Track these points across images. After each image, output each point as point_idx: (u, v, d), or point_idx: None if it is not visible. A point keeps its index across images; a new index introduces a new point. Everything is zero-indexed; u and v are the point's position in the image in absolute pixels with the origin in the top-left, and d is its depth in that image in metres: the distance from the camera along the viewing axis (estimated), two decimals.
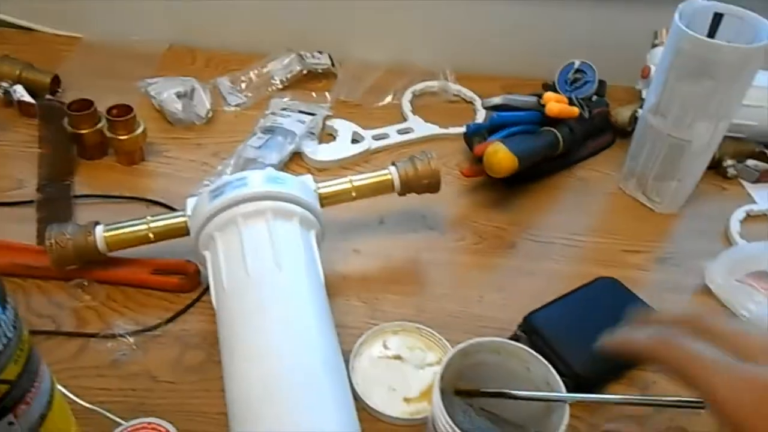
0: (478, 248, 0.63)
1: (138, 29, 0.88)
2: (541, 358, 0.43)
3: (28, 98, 0.73)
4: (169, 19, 0.88)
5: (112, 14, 0.88)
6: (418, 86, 0.81)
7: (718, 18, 0.60)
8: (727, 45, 0.56)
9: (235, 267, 0.47)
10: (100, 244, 0.53)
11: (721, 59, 0.56)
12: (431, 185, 0.58)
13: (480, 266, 0.62)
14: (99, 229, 0.54)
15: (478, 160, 0.64)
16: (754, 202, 0.70)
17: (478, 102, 0.80)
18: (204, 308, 0.55)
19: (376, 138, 0.73)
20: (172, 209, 0.64)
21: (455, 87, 0.82)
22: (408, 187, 0.58)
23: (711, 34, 0.60)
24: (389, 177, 0.58)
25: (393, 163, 0.59)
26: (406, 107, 0.78)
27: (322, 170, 0.70)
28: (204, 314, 0.55)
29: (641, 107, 0.68)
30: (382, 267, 0.61)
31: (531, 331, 0.52)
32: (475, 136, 0.69)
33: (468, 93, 0.82)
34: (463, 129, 0.72)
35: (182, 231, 0.54)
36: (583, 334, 0.52)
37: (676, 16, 0.58)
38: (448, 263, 0.62)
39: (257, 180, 0.52)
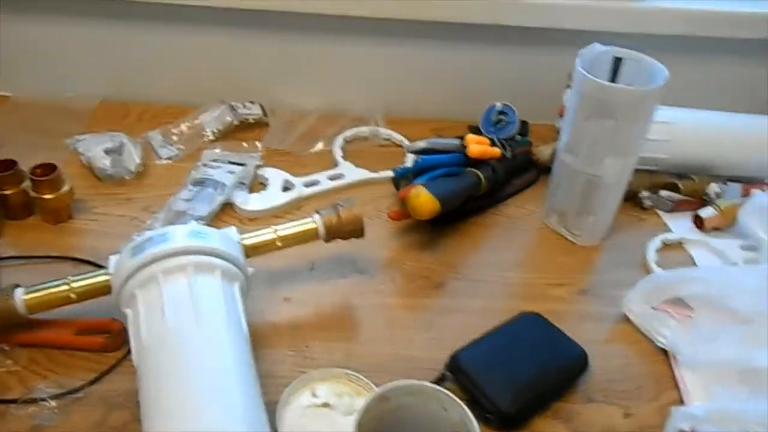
0: (408, 289, 0.64)
1: (70, 85, 0.88)
2: (456, 399, 0.44)
3: None
4: (102, 74, 0.89)
5: (43, 71, 0.89)
6: (349, 132, 0.83)
7: (618, 62, 0.64)
8: (623, 88, 0.60)
9: (155, 323, 0.47)
10: (21, 307, 0.53)
11: (619, 101, 0.59)
12: (355, 231, 0.60)
13: (409, 307, 0.63)
14: (19, 291, 0.53)
15: (403, 203, 0.66)
16: (669, 230, 0.74)
17: (407, 145, 0.82)
18: (130, 367, 0.54)
19: (308, 185, 0.75)
20: (100, 267, 0.63)
21: (385, 131, 0.85)
22: (332, 234, 0.59)
23: (613, 76, 0.64)
24: (314, 225, 0.59)
25: (317, 211, 0.60)
26: (337, 153, 0.80)
27: (253, 220, 0.70)
28: (130, 373, 0.53)
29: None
30: (312, 314, 0.62)
31: (456, 371, 0.54)
32: (402, 179, 0.71)
33: (398, 137, 0.84)
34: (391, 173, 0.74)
35: (105, 290, 0.54)
36: (508, 370, 0.54)
37: (578, 61, 0.62)
38: (378, 306, 0.63)
39: (179, 235, 0.52)
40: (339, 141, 0.82)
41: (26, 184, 0.67)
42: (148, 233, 0.54)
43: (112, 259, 0.54)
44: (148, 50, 0.87)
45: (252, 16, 0.83)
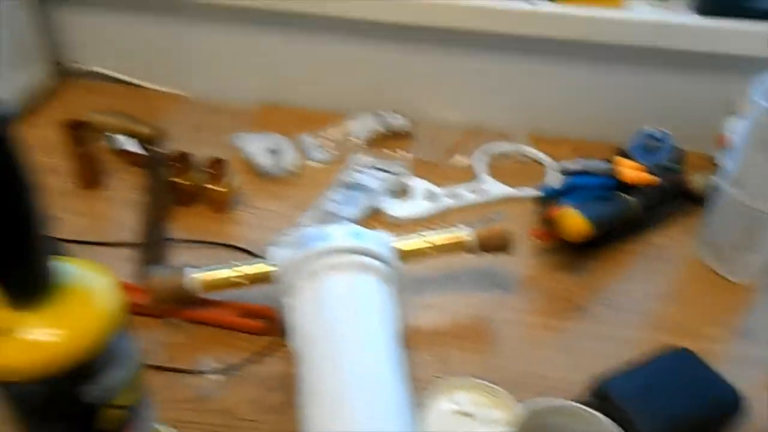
0: (547, 310, 0.64)
1: (233, 88, 0.96)
2: (615, 428, 0.43)
3: (135, 149, 0.80)
4: (261, 79, 0.96)
5: (210, 74, 0.97)
6: (492, 147, 0.84)
7: None
8: None
9: (316, 315, 0.50)
10: (194, 287, 0.58)
11: None
12: (503, 247, 0.60)
13: (548, 327, 0.62)
14: (194, 272, 0.59)
15: (550, 222, 0.66)
16: None
17: (550, 164, 0.82)
18: (284, 352, 0.58)
19: (450, 197, 0.76)
20: (256, 256, 0.68)
21: (528, 149, 0.84)
22: (481, 247, 0.60)
23: None
24: (464, 237, 0.60)
25: (468, 224, 0.61)
26: (480, 168, 0.81)
27: (396, 226, 0.73)
28: (284, 358, 0.58)
29: (716, 175, 0.68)
30: (452, 323, 0.63)
31: (603, 398, 0.52)
32: (548, 198, 0.71)
33: (540, 155, 0.84)
34: (535, 191, 0.74)
35: (268, 278, 0.58)
36: (658, 403, 0.52)
37: (753, 89, 0.59)
38: (516, 323, 0.63)
39: (340, 234, 0.55)
40: (482, 156, 0.83)
41: (197, 175, 0.73)
42: (310, 230, 0.57)
43: (274, 251, 0.58)
44: (305, 59, 0.93)
45: (403, 30, 0.86)
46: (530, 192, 0.77)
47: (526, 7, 0.81)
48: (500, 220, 0.61)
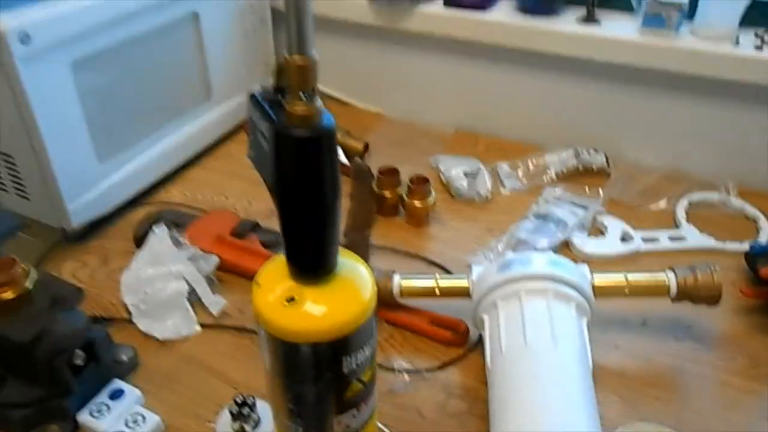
0: (752, 373, 0.60)
1: (432, 111, 1.02)
2: None
3: (343, 159, 0.89)
4: (460, 105, 1.01)
5: (410, 97, 1.04)
6: (695, 195, 0.81)
7: None
8: None
9: (514, 335, 0.53)
10: (396, 291, 0.63)
11: None
12: (711, 298, 0.58)
13: (752, 392, 0.59)
14: (397, 277, 0.64)
15: (761, 281, 0.62)
16: None
17: (762, 220, 0.77)
18: (468, 365, 0.61)
19: (646, 240, 0.74)
20: (447, 271, 0.72)
21: (737, 201, 0.80)
22: (684, 295, 0.59)
23: None
24: (665, 281, 0.59)
25: (671, 269, 0.60)
26: (680, 215, 0.78)
27: (587, 262, 0.73)
28: (468, 370, 0.61)
29: None
30: (641, 367, 0.61)
31: None
32: (759, 256, 0.67)
33: (751, 210, 0.79)
34: (744, 246, 0.70)
35: (464, 292, 0.62)
36: None
37: None
38: (713, 381, 0.60)
39: (540, 261, 0.57)
40: (683, 203, 0.80)
41: (402, 189, 0.79)
42: (512, 254, 0.60)
43: (476, 269, 0.62)
44: (505, 90, 0.96)
45: (607, 69, 0.86)
46: (736, 246, 0.73)
47: (734, 51, 0.78)
48: (710, 271, 0.59)
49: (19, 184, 0.75)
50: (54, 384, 0.52)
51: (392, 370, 0.61)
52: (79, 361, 0.53)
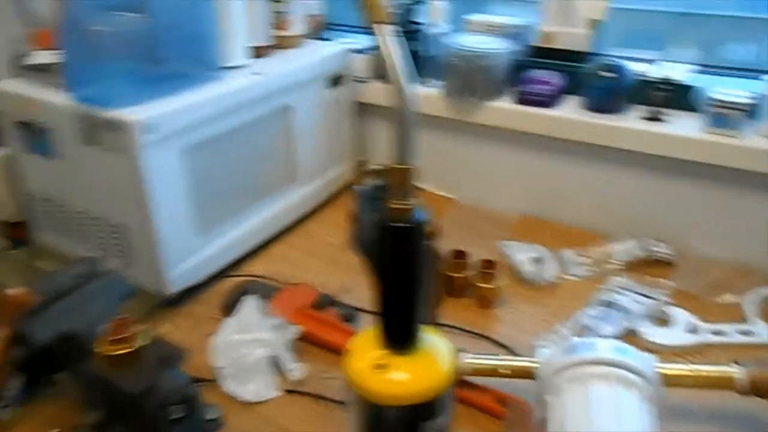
0: None
1: (498, 197, 1.07)
2: None
3: None
4: (525, 193, 1.06)
5: (479, 183, 1.10)
6: (765, 290, 0.81)
7: None
8: None
9: (579, 418, 0.55)
10: (462, 368, 0.67)
11: None
12: None
13: None
14: (464, 355, 0.67)
15: None
16: None
17: None
18: None
19: (714, 333, 0.75)
20: (513, 352, 0.75)
21: None
22: (754, 390, 0.59)
23: None
24: (734, 375, 0.60)
25: (737, 362, 0.61)
26: (750, 309, 0.79)
27: (653, 352, 0.74)
28: None
29: None
30: None
31: None
32: None
33: None
34: None
35: (529, 374, 0.64)
36: None
37: None
38: None
39: (606, 347, 0.60)
40: (753, 297, 0.81)
41: (470, 271, 0.84)
42: (577, 339, 0.63)
43: (542, 352, 0.65)
44: (571, 180, 1.01)
45: (673, 163, 0.90)
46: None
47: None
48: None
49: (125, 252, 0.84)
50: None
51: None
52: (177, 416, 0.59)
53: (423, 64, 1.03)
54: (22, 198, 0.94)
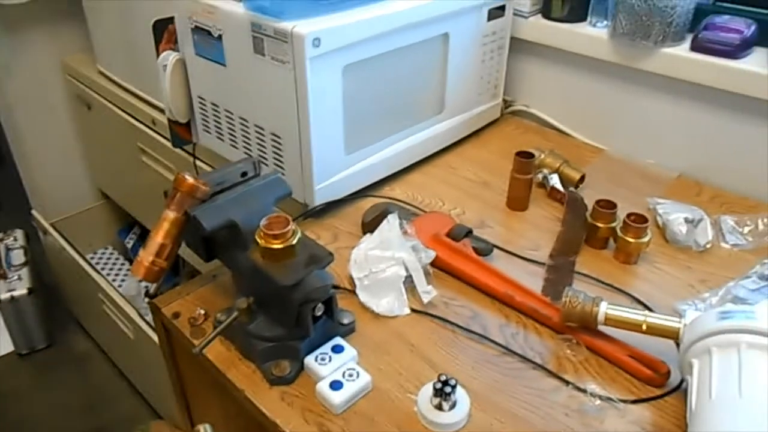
0: None
1: (653, 153, 1.00)
2: None
3: (559, 187, 0.91)
4: (682, 151, 0.98)
5: (632, 136, 1.03)
6: None
7: None
8: None
9: (728, 384, 0.52)
10: (600, 317, 0.65)
11: None
12: None
13: None
14: (604, 305, 0.65)
15: None
16: None
17: None
18: (665, 406, 0.61)
19: None
20: (650, 311, 0.72)
21: None
22: None
23: None
24: None
25: None
26: None
27: None
28: (664, 411, 0.60)
29: None
30: None
31: None
32: None
33: None
34: None
35: (672, 335, 0.61)
36: None
37: None
38: None
39: (766, 316, 0.55)
40: None
41: (616, 224, 0.80)
42: (734, 306, 0.59)
43: (690, 313, 0.61)
44: (738, 142, 0.92)
45: None
46: None
47: None
48: None
49: (279, 161, 0.89)
50: (296, 327, 0.63)
51: (584, 391, 0.62)
52: (318, 313, 0.63)
53: (594, 2, 0.97)
54: (189, 100, 1.02)
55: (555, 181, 0.92)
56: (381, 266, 0.73)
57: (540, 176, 0.94)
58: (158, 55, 0.99)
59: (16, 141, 1.58)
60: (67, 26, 1.50)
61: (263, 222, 0.61)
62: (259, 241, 0.60)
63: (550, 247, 0.83)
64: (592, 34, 0.98)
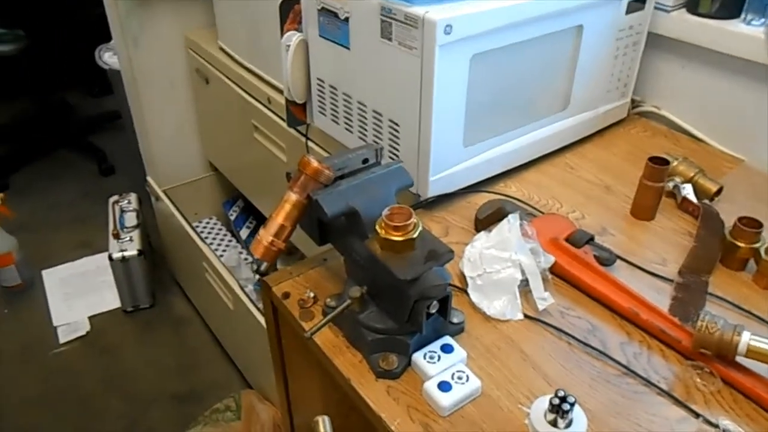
0: None
1: None
2: None
3: (693, 198, 0.84)
4: None
5: None
6: None
7: None
8: None
9: None
10: (741, 348, 0.59)
11: None
12: None
13: None
14: (746, 334, 0.59)
15: None
16: None
17: None
18: None
19: None
20: None
21: None
22: None
23: None
24: None
25: None
26: None
27: None
28: None
29: None
30: None
31: None
32: None
33: None
34: None
35: None
36: None
37: None
38: None
39: None
40: None
41: (759, 244, 0.73)
42: None
43: None
44: None
45: None
46: None
47: None
48: None
49: (394, 149, 0.87)
50: (408, 322, 0.61)
51: (715, 426, 0.57)
52: (433, 311, 0.61)
53: None
54: (308, 81, 1.02)
55: (688, 191, 0.85)
56: (496, 267, 0.70)
57: (671, 185, 0.87)
58: (282, 34, 1.00)
59: (137, 111, 1.66)
60: (194, 2, 1.56)
61: (385, 212, 0.59)
62: (379, 231, 0.59)
63: (678, 262, 0.77)
64: (746, 33, 0.89)
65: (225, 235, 1.85)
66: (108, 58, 2.09)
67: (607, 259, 0.75)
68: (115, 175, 2.49)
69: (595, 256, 0.75)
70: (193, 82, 1.64)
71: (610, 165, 0.96)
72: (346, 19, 0.87)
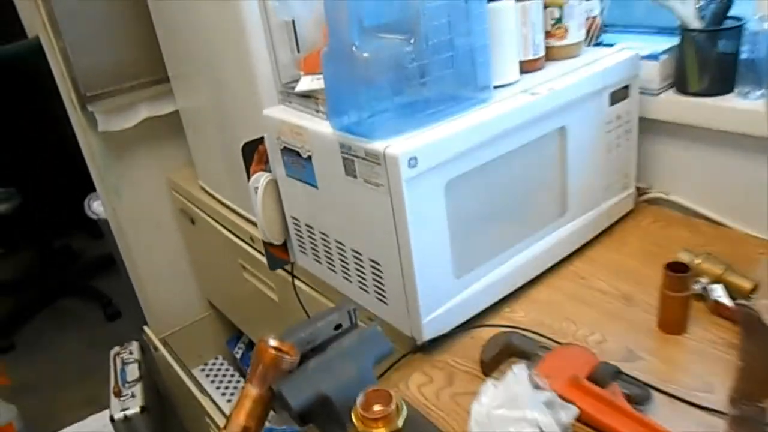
0: None
1: None
2: None
3: (726, 301, 0.73)
4: None
5: None
6: None
7: None
8: None
9: None
10: None
11: None
12: None
13: None
14: None
15: None
16: None
17: None
18: None
19: None
20: None
21: None
22: None
23: None
24: None
25: None
26: None
27: None
28: None
29: None
30: None
31: None
32: None
33: None
34: None
35: None
36: None
37: None
38: None
39: None
40: None
41: None
42: None
43: None
44: None
45: None
46: None
47: None
48: None
49: (380, 289, 0.78)
50: None
51: None
52: None
53: (742, 69, 0.81)
54: (284, 219, 0.95)
55: (719, 293, 0.74)
56: (510, 430, 0.59)
57: (697, 287, 0.76)
58: (249, 177, 0.94)
59: (128, 257, 1.60)
60: (172, 144, 1.53)
61: (360, 399, 0.49)
62: (356, 423, 0.49)
63: (726, 385, 0.64)
64: (744, 107, 0.81)
65: (233, 375, 1.74)
66: (96, 207, 2.08)
67: (640, 396, 0.63)
68: (122, 318, 2.42)
69: (625, 395, 0.63)
70: (180, 222, 1.59)
71: (625, 268, 0.86)
72: (309, 158, 0.80)
